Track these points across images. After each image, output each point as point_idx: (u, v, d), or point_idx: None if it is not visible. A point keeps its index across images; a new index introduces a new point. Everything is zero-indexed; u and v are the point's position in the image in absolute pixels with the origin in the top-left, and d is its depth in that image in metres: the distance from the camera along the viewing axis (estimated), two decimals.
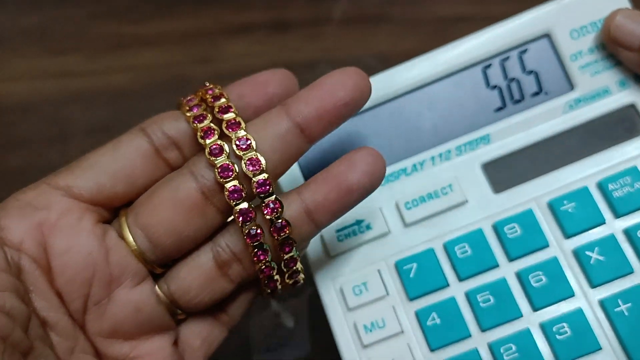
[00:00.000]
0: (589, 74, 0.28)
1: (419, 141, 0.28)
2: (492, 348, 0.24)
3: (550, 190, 0.27)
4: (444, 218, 0.27)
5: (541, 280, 0.25)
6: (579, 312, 0.25)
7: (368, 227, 0.27)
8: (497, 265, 0.26)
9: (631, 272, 0.25)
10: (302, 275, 0.24)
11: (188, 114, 0.22)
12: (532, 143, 0.28)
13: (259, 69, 0.46)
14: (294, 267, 0.23)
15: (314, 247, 0.27)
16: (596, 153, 0.27)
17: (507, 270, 0.26)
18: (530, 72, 0.28)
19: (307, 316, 0.26)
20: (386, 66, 0.29)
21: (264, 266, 0.22)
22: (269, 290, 0.23)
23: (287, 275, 0.23)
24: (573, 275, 0.25)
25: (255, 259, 0.22)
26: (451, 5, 0.46)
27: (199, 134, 0.21)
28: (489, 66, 0.28)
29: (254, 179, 0.21)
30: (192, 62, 0.47)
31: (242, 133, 0.21)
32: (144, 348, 0.22)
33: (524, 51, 0.28)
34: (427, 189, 0.27)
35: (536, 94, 0.28)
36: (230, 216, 0.23)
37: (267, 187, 0.21)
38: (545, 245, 0.26)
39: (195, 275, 0.22)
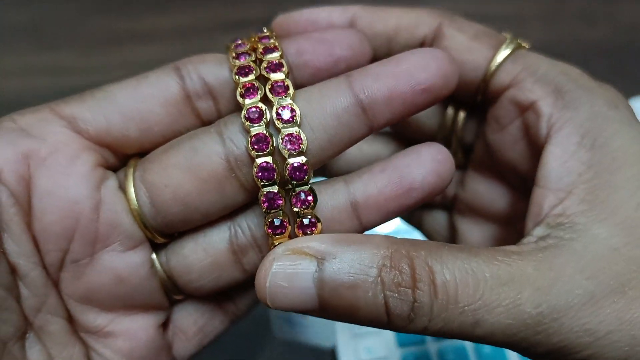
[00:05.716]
0: None
1: None
2: None
3: None
4: None
5: None
6: None
7: None
8: None
9: None
10: None
11: (233, 62, 0.18)
12: None
13: None
14: None
15: None
16: None
17: None
18: None
19: None
20: None
21: None
22: None
23: None
24: None
25: None
26: (449, 4, 0.46)
27: (239, 89, 0.18)
28: None
29: (288, 160, 0.17)
30: None
31: (287, 101, 0.17)
32: (123, 324, 0.19)
33: None
34: None
35: None
36: (254, 197, 0.19)
37: (303, 174, 0.17)
38: None
39: (202, 256, 0.19)
